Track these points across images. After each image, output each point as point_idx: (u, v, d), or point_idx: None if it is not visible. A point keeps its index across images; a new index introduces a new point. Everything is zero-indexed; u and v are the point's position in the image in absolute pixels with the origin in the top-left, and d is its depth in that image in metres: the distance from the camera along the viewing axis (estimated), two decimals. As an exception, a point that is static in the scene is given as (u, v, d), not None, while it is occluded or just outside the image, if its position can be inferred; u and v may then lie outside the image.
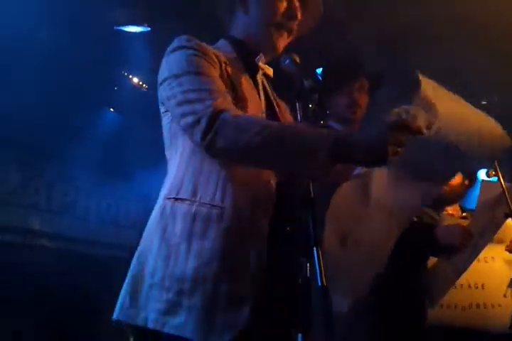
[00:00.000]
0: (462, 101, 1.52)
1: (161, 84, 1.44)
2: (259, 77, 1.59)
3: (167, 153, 1.52)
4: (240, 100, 1.42)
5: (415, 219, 2.37)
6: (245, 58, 1.57)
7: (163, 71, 1.45)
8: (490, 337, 2.58)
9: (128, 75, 4.93)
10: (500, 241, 2.70)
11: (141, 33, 4.20)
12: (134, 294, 1.35)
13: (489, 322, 2.58)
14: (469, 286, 2.60)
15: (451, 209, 2.90)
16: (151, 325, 1.29)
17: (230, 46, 1.59)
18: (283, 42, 1.59)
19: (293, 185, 1.33)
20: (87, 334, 4.95)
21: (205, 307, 1.26)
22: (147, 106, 3.70)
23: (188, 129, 1.32)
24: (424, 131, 1.17)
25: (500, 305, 2.59)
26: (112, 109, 5.38)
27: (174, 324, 1.26)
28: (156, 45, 3.90)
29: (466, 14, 3.63)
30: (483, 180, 2.61)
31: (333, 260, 1.29)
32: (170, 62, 1.44)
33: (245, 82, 1.50)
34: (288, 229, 1.40)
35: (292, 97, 1.37)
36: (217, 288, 1.27)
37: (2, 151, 4.88)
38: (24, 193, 5.19)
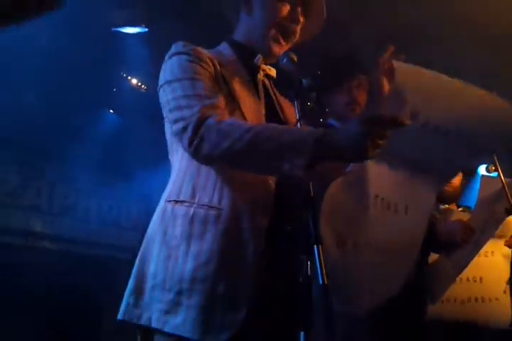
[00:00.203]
0: (451, 81, 1.47)
1: (159, 90, 1.48)
2: (260, 78, 1.60)
3: (170, 157, 1.55)
4: (233, 102, 1.43)
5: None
6: (245, 60, 1.58)
7: (161, 77, 1.49)
8: (489, 333, 2.59)
9: (127, 76, 4.93)
10: (501, 237, 2.71)
11: (140, 33, 4.20)
12: (137, 295, 1.38)
13: (489, 317, 2.58)
14: (468, 280, 2.62)
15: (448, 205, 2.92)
16: (154, 325, 1.32)
17: (230, 49, 1.61)
18: (279, 48, 1.58)
19: (292, 185, 1.33)
20: (87, 334, 4.96)
21: (202, 307, 1.28)
22: (147, 107, 3.70)
23: (178, 135, 1.36)
24: (407, 121, 1.13)
25: (497, 299, 2.61)
26: (111, 111, 5.38)
27: (174, 323, 1.29)
28: (155, 46, 3.90)
29: (466, 14, 3.63)
30: (483, 176, 2.61)
31: (330, 262, 1.28)
32: (166, 69, 1.49)
33: (243, 83, 1.51)
34: (288, 228, 1.40)
35: (291, 96, 1.37)
36: (215, 288, 1.29)
37: (2, 151, 4.88)
38: (24, 194, 5.18)
